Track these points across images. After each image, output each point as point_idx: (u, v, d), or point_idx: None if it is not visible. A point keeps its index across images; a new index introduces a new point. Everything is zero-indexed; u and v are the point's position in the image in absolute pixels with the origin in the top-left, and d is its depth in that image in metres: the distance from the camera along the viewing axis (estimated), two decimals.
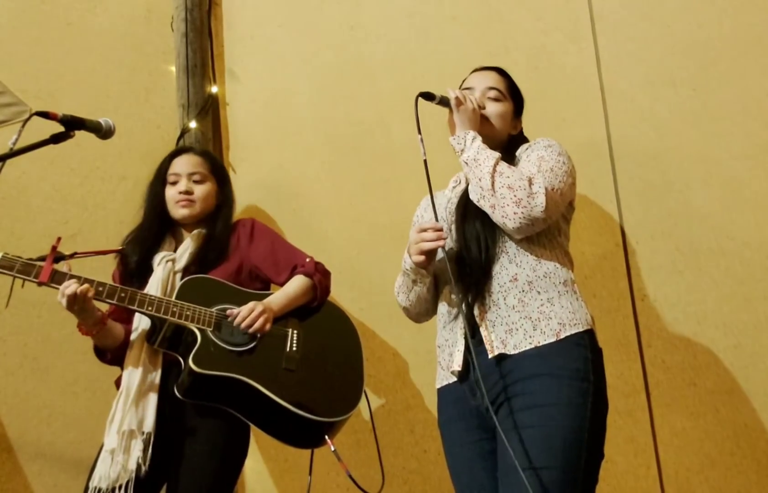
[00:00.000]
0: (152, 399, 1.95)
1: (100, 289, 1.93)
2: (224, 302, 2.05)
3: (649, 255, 2.30)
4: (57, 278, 1.90)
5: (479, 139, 1.71)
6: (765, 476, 2.12)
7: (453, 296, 1.71)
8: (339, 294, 2.61)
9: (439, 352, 1.77)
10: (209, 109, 2.95)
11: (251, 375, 1.94)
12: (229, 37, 3.11)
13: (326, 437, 2.02)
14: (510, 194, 1.59)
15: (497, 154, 1.67)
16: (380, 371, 2.62)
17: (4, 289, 1.93)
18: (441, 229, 1.63)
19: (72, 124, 1.85)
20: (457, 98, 1.74)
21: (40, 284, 1.89)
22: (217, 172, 2.30)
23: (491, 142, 1.75)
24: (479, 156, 1.66)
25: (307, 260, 2.22)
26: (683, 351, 2.24)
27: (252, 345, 2.00)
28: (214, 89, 3.00)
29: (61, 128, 1.84)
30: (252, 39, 3.08)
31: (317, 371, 2.06)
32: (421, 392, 2.56)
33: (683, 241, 2.27)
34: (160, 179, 2.24)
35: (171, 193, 2.21)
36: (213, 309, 2.02)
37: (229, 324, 2.01)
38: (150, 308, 1.95)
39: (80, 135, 1.90)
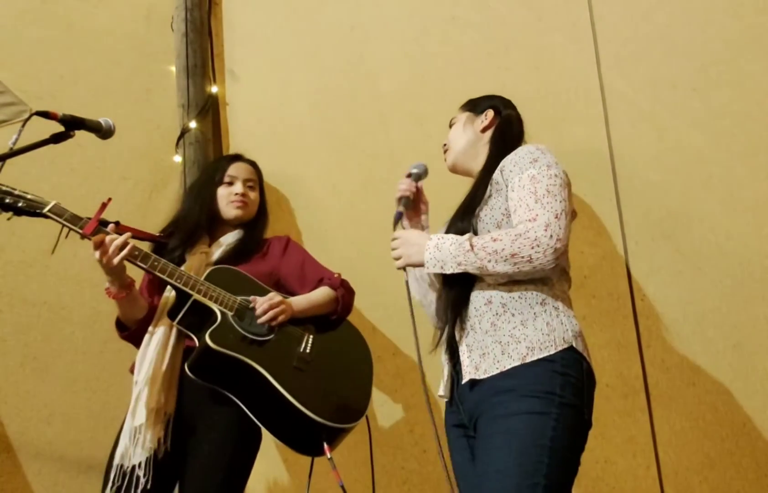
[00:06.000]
0: (175, 382, 1.99)
1: (136, 253, 1.97)
2: (249, 294, 2.09)
3: (648, 255, 2.30)
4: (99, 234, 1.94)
5: (434, 241, 1.64)
6: (764, 476, 2.12)
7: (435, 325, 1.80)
8: None
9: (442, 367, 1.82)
10: (209, 109, 2.95)
11: (262, 363, 1.96)
12: (229, 37, 3.12)
13: (324, 443, 2.01)
14: (525, 246, 1.53)
15: (471, 239, 1.60)
16: (380, 371, 2.61)
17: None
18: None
19: (72, 124, 1.85)
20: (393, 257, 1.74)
21: (83, 236, 1.92)
22: (262, 183, 2.43)
23: (477, 164, 1.82)
24: (461, 260, 1.59)
25: (335, 275, 2.28)
26: (683, 351, 2.24)
27: (268, 338, 2.03)
28: (214, 89, 3.00)
29: (61, 128, 1.85)
30: (252, 39, 3.08)
31: (325, 377, 2.08)
32: (421, 392, 2.55)
33: (683, 241, 2.27)
34: (213, 179, 2.33)
35: (225, 192, 2.29)
36: (238, 297, 2.06)
37: (250, 314, 2.05)
38: (179, 281, 2.00)
39: (80, 135, 1.91)
